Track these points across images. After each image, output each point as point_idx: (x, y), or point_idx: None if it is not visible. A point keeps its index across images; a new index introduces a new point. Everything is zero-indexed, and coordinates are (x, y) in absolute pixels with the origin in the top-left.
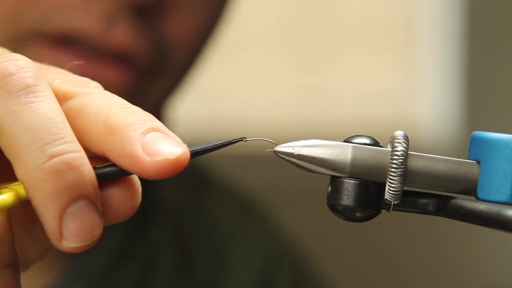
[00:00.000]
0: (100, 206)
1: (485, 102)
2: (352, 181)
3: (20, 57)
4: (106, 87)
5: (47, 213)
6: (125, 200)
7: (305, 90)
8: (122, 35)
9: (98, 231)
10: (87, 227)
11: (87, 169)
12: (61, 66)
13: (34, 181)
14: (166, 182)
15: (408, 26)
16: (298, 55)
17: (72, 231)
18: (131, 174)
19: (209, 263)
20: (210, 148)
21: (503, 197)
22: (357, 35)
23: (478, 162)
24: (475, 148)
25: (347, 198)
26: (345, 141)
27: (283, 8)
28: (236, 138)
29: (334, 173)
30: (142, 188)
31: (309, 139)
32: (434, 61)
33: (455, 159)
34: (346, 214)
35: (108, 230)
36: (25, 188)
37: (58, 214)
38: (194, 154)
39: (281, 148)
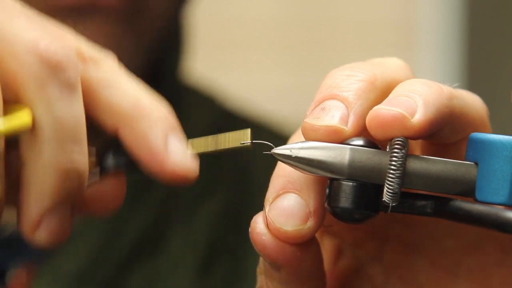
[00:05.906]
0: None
1: (484, 102)
2: (350, 183)
3: (69, 42)
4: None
5: (33, 205)
6: (112, 196)
7: (305, 90)
8: None
9: (69, 232)
10: (63, 229)
11: (86, 177)
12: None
13: (41, 171)
14: None
15: (408, 26)
16: (298, 55)
17: (48, 230)
18: (135, 168)
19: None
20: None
21: (501, 199)
22: (357, 35)
23: (476, 164)
24: (473, 150)
25: (345, 200)
26: (343, 143)
27: (283, 8)
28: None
29: (332, 175)
30: None
31: (307, 141)
32: (434, 61)
33: (453, 160)
34: (344, 216)
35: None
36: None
37: (40, 213)
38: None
39: (279, 150)
